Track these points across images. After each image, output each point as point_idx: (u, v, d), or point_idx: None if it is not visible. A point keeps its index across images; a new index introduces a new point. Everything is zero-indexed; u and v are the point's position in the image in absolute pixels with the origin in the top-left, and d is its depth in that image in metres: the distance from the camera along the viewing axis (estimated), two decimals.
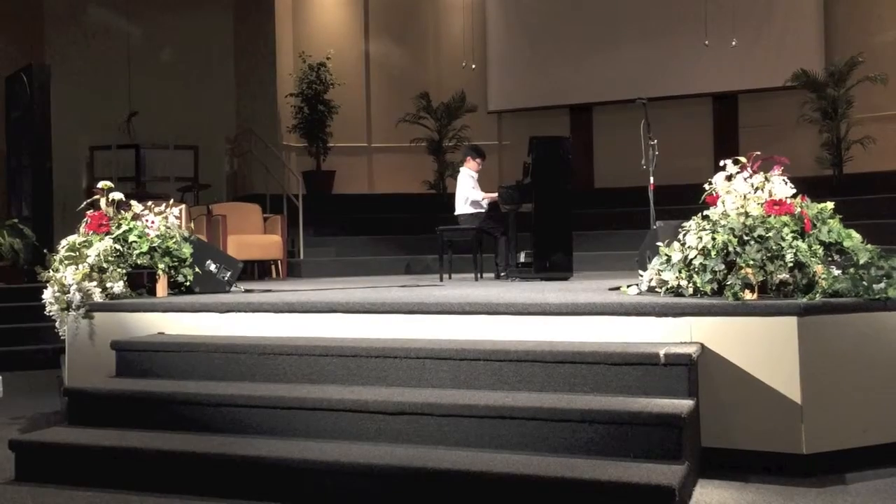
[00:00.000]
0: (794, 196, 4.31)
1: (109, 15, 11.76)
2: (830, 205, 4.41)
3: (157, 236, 5.42)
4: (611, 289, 5.21)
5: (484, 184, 8.48)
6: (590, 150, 12.90)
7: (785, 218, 4.14)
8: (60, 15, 11.56)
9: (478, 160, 8.40)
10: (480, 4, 13.40)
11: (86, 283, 5.07)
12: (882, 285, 3.98)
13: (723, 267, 4.11)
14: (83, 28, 11.58)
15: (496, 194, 8.06)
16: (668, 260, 4.42)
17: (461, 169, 8.47)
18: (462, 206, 8.29)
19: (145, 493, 3.74)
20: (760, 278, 4.03)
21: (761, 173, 4.37)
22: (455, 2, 13.43)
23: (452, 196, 8.69)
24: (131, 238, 5.33)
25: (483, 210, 8.28)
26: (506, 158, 12.89)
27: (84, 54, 11.41)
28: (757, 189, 4.33)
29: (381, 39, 13.40)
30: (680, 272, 4.32)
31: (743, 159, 4.45)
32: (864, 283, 4.00)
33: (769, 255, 4.03)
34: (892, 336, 4.00)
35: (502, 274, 7.99)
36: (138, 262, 5.33)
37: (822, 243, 4.21)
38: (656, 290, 4.53)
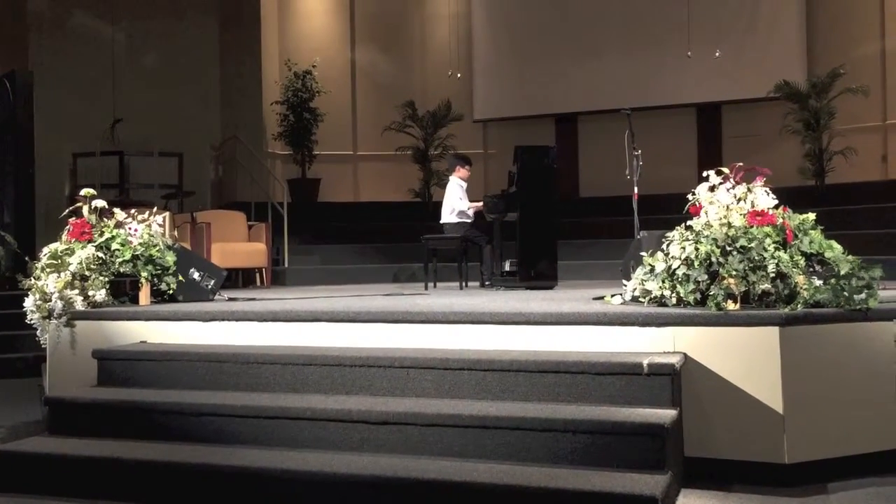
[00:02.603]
0: (777, 207, 4.34)
1: (94, 21, 11.71)
2: (812, 216, 4.44)
3: (141, 244, 5.39)
4: (595, 298, 5.22)
5: (469, 192, 8.48)
6: (575, 159, 12.96)
7: (767, 228, 4.16)
8: (44, 20, 11.51)
9: (466, 167, 8.41)
10: (466, 14, 13.45)
11: (67, 292, 5.03)
12: (863, 296, 4.01)
13: (706, 277, 4.12)
14: (67, 34, 11.53)
15: (482, 203, 8.08)
16: (652, 270, 4.44)
17: (450, 178, 8.46)
18: (448, 215, 8.30)
19: None
20: (743, 288, 4.05)
21: (744, 184, 4.40)
22: (441, 11, 13.47)
23: (438, 205, 8.68)
24: (114, 246, 5.30)
25: (469, 220, 8.29)
26: (491, 167, 12.93)
27: (68, 60, 11.36)
28: (739, 200, 4.35)
29: (367, 48, 13.42)
30: (663, 282, 4.33)
31: (726, 170, 4.47)
32: (846, 293, 4.03)
33: (751, 265, 4.05)
34: (872, 346, 4.04)
35: (487, 283, 8.00)
36: (121, 270, 5.30)
37: (803, 254, 4.24)
38: (640, 299, 4.54)
